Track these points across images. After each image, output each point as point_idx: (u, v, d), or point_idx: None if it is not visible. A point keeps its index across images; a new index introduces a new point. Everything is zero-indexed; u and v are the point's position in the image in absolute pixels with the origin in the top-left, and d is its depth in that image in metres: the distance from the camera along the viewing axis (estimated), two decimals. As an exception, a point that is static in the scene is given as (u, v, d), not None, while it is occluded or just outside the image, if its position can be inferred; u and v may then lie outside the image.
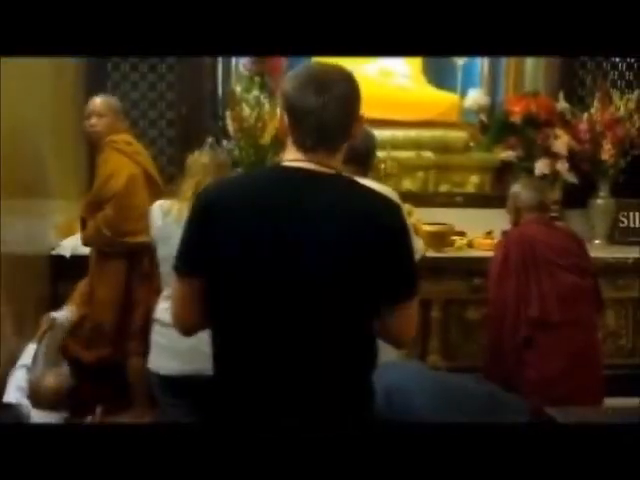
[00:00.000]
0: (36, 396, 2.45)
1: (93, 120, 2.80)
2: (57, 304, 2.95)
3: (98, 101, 2.85)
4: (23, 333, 2.73)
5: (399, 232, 1.31)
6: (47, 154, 2.90)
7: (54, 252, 3.08)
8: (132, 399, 2.69)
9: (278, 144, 3.31)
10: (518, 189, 2.70)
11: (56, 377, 2.51)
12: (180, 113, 3.60)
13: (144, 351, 2.29)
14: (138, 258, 2.70)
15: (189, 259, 1.33)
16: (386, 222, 1.29)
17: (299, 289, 1.25)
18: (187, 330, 1.42)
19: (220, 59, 3.64)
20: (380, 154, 3.18)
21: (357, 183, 1.39)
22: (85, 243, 2.81)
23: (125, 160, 2.74)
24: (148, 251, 2.42)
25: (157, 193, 2.68)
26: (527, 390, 2.36)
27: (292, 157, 1.31)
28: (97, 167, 2.78)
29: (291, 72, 1.34)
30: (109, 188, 2.69)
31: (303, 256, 1.24)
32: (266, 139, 3.28)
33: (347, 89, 1.30)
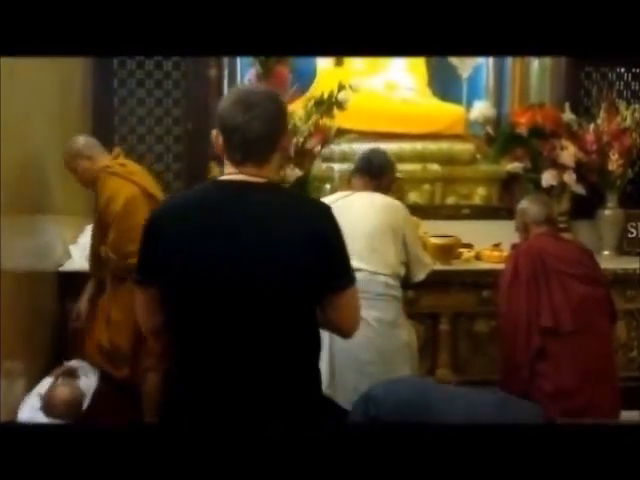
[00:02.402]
0: (49, 406, 2.47)
1: (83, 164, 2.78)
2: (64, 320, 2.95)
3: (82, 142, 2.82)
4: (32, 349, 2.73)
5: (328, 229, 1.45)
6: (54, 170, 2.91)
7: (62, 268, 3.08)
8: (145, 414, 2.68)
9: (287, 153, 3.32)
10: (525, 205, 2.74)
11: (70, 389, 2.52)
12: (186, 129, 3.62)
13: (160, 367, 2.28)
14: None
15: (142, 270, 1.49)
16: (315, 221, 1.43)
17: (238, 290, 1.38)
18: (150, 333, 1.59)
19: (226, 75, 3.66)
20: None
21: (286, 189, 1.62)
22: (93, 271, 2.79)
23: (121, 182, 2.73)
24: None
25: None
26: (543, 402, 2.34)
27: (227, 171, 1.47)
28: (96, 195, 2.75)
29: (225, 94, 1.48)
30: (109, 213, 2.68)
31: (239, 259, 1.38)
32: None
33: (270, 107, 1.44)
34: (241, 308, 1.39)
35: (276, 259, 1.38)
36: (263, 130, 1.43)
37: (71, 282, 3.00)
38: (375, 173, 2.61)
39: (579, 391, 2.42)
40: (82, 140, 2.85)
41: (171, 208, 1.49)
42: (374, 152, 2.71)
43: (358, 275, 2.39)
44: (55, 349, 2.95)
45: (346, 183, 2.80)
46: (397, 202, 2.61)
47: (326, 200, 2.56)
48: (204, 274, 1.39)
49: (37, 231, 2.87)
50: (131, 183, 2.74)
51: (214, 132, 1.50)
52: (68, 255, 3.18)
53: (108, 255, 2.70)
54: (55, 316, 2.99)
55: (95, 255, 2.78)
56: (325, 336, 2.26)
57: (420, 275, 2.53)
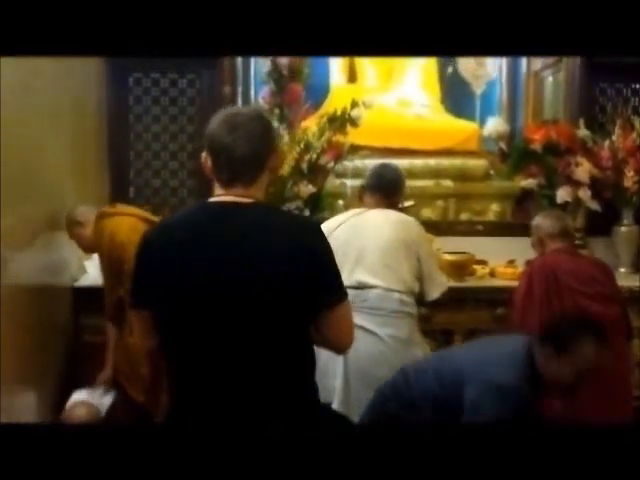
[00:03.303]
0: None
1: (77, 231, 2.80)
2: (79, 334, 2.97)
3: (75, 211, 2.82)
4: (46, 363, 2.75)
5: (317, 247, 1.44)
6: (70, 187, 2.94)
7: (77, 284, 3.10)
8: None
9: (297, 175, 3.34)
10: (539, 220, 2.72)
11: (87, 408, 2.52)
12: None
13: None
14: None
15: (135, 293, 1.51)
16: (303, 239, 1.43)
17: (228, 310, 1.39)
18: (150, 354, 1.64)
19: (239, 92, 3.69)
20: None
21: (276, 208, 1.63)
22: (111, 317, 2.74)
23: (117, 219, 2.70)
24: None
25: None
26: (555, 418, 2.31)
27: (216, 193, 1.48)
28: (97, 246, 2.72)
29: (213, 116, 1.49)
30: (115, 249, 2.62)
31: (228, 280, 1.39)
32: (285, 170, 3.30)
33: (255, 128, 1.45)
34: (231, 327, 1.40)
35: (265, 279, 1.39)
36: (248, 150, 1.43)
37: (86, 297, 3.02)
38: (387, 190, 2.59)
39: (592, 409, 2.39)
40: (77, 209, 2.83)
41: (160, 231, 1.51)
42: (385, 168, 2.66)
43: (373, 292, 2.43)
44: (69, 363, 2.96)
45: (357, 199, 2.77)
46: (411, 219, 2.60)
47: (339, 218, 2.58)
48: (194, 296, 1.40)
49: (53, 246, 2.89)
50: (126, 216, 2.72)
51: (203, 154, 1.50)
52: (83, 270, 3.20)
53: (121, 295, 2.62)
54: (69, 330, 3.01)
55: (112, 302, 2.69)
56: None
57: (434, 294, 2.51)
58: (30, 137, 2.58)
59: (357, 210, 2.58)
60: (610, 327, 2.49)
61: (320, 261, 1.45)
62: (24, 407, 2.53)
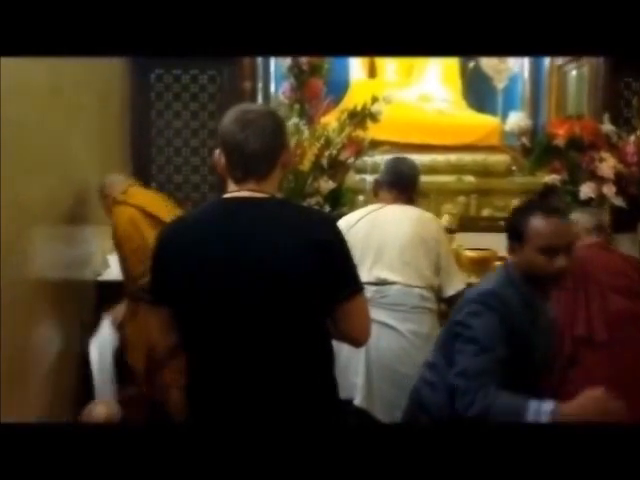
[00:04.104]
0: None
1: (104, 202, 2.90)
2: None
3: (103, 182, 2.91)
4: (70, 357, 2.78)
5: (331, 240, 1.45)
6: (93, 182, 2.98)
7: (100, 278, 3.14)
8: None
9: (317, 171, 3.34)
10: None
11: (107, 407, 2.53)
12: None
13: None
14: None
15: (153, 290, 1.51)
16: (318, 233, 1.43)
17: (245, 305, 1.40)
18: (166, 351, 1.60)
19: (260, 87, 3.70)
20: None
21: (289, 202, 1.64)
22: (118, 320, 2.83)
23: (121, 208, 2.77)
24: None
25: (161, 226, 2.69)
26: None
27: (229, 189, 1.50)
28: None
29: (226, 114, 1.50)
30: (116, 239, 2.76)
31: (244, 275, 1.40)
32: (305, 165, 3.30)
33: (267, 124, 1.47)
34: (249, 322, 1.41)
35: (281, 272, 1.40)
36: (261, 146, 1.45)
37: (109, 291, 3.05)
38: (405, 185, 2.55)
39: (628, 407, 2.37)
40: (105, 180, 2.91)
41: (177, 227, 1.52)
42: (401, 163, 2.62)
43: (393, 288, 2.42)
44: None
45: (373, 195, 2.74)
46: (430, 215, 2.59)
47: (357, 213, 2.55)
48: (211, 291, 1.41)
49: (77, 241, 2.93)
50: (129, 206, 2.77)
51: (216, 152, 1.52)
52: (106, 265, 3.24)
53: (124, 279, 2.78)
54: (93, 324, 3.05)
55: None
56: (362, 350, 2.27)
57: (450, 291, 2.48)
58: (56, 134, 2.62)
59: (375, 206, 2.56)
60: (634, 322, 2.48)
61: (335, 254, 1.45)
62: (47, 402, 2.57)
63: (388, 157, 2.82)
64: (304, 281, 1.40)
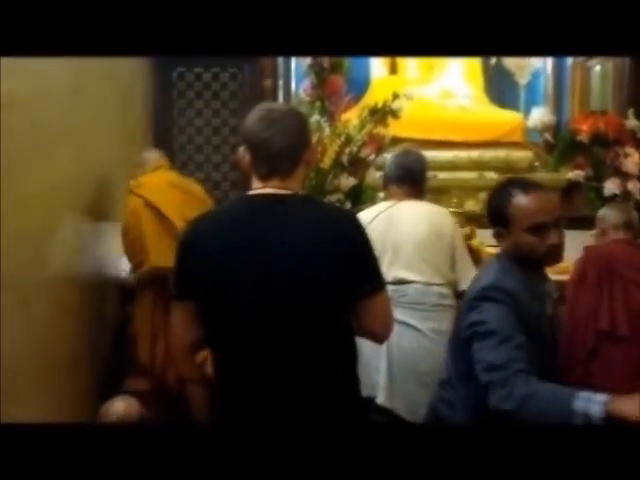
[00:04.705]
0: (104, 420, 2.51)
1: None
2: (125, 325, 3.04)
3: (139, 159, 2.98)
4: (96, 351, 2.82)
5: (355, 236, 1.48)
6: (118, 180, 3.01)
7: (123, 274, 3.17)
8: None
9: (338, 168, 3.34)
10: (604, 211, 2.77)
11: (125, 404, 2.55)
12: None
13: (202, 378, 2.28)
14: (157, 289, 2.71)
15: (178, 284, 1.53)
16: (342, 230, 1.46)
17: (271, 302, 1.42)
18: (185, 350, 1.61)
19: (281, 85, 3.71)
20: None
21: (313, 199, 1.69)
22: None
23: (129, 198, 2.79)
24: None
25: (161, 219, 2.71)
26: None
27: (254, 186, 1.52)
28: None
29: (250, 112, 1.53)
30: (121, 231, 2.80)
31: (270, 271, 1.42)
32: (326, 163, 3.30)
33: (292, 122, 1.50)
34: (274, 319, 1.43)
35: (306, 269, 1.42)
36: (285, 144, 1.48)
37: (132, 289, 3.08)
38: (415, 180, 2.53)
39: (626, 391, 2.36)
40: (141, 157, 2.96)
41: (203, 223, 1.54)
42: (409, 157, 2.58)
43: (412, 287, 2.42)
44: (117, 353, 3.03)
45: (384, 191, 2.71)
46: (442, 209, 2.57)
47: (372, 210, 2.54)
48: (237, 286, 1.43)
49: (99, 239, 2.97)
50: (135, 197, 2.77)
51: (240, 150, 1.54)
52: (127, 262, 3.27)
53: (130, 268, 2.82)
54: (117, 321, 3.08)
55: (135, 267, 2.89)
56: (383, 348, 2.27)
57: (465, 284, 2.48)
58: (78, 133, 2.65)
59: (388, 203, 2.54)
60: None
61: (359, 251, 1.47)
62: (68, 397, 2.60)
63: (394, 151, 2.80)
64: (328, 277, 1.42)
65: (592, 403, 1.39)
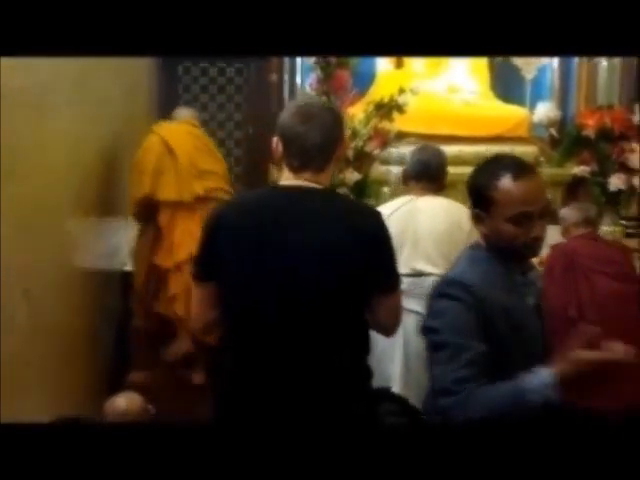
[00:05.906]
0: (106, 415, 2.52)
1: None
2: (127, 318, 3.05)
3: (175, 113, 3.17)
4: (97, 344, 2.83)
5: (379, 234, 1.52)
6: (121, 174, 3.02)
7: (126, 268, 3.18)
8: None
9: (343, 162, 3.33)
10: (564, 212, 3.01)
11: (128, 400, 2.55)
12: (247, 133, 3.68)
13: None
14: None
15: (200, 265, 1.56)
16: (367, 226, 1.50)
17: (292, 291, 1.45)
18: (203, 329, 1.69)
19: (286, 80, 3.70)
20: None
21: (340, 195, 1.77)
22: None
23: (148, 136, 2.96)
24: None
25: (170, 155, 2.87)
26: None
27: (284, 177, 1.55)
28: None
29: (286, 106, 1.58)
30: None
31: (294, 261, 1.45)
32: (331, 157, 3.30)
33: (327, 119, 1.53)
34: (294, 309, 1.45)
35: (330, 261, 1.45)
36: (320, 140, 1.51)
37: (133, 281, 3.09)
38: (433, 176, 2.56)
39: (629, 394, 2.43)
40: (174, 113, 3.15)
41: (231, 208, 1.58)
42: (429, 153, 2.60)
43: (429, 279, 2.40)
44: (119, 345, 3.05)
45: (400, 186, 2.74)
46: (459, 204, 2.58)
47: (391, 205, 2.56)
48: (259, 274, 1.46)
49: (104, 232, 2.98)
50: (153, 134, 2.94)
51: (274, 140, 1.56)
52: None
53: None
54: (119, 314, 3.10)
55: (137, 201, 3.01)
56: (399, 339, 2.28)
57: None
58: (83, 126, 2.66)
59: (406, 198, 2.57)
60: (626, 304, 2.66)
61: (382, 247, 1.52)
62: (74, 389, 2.62)
63: (414, 147, 2.82)
64: (351, 270, 1.46)
65: (543, 381, 1.30)
